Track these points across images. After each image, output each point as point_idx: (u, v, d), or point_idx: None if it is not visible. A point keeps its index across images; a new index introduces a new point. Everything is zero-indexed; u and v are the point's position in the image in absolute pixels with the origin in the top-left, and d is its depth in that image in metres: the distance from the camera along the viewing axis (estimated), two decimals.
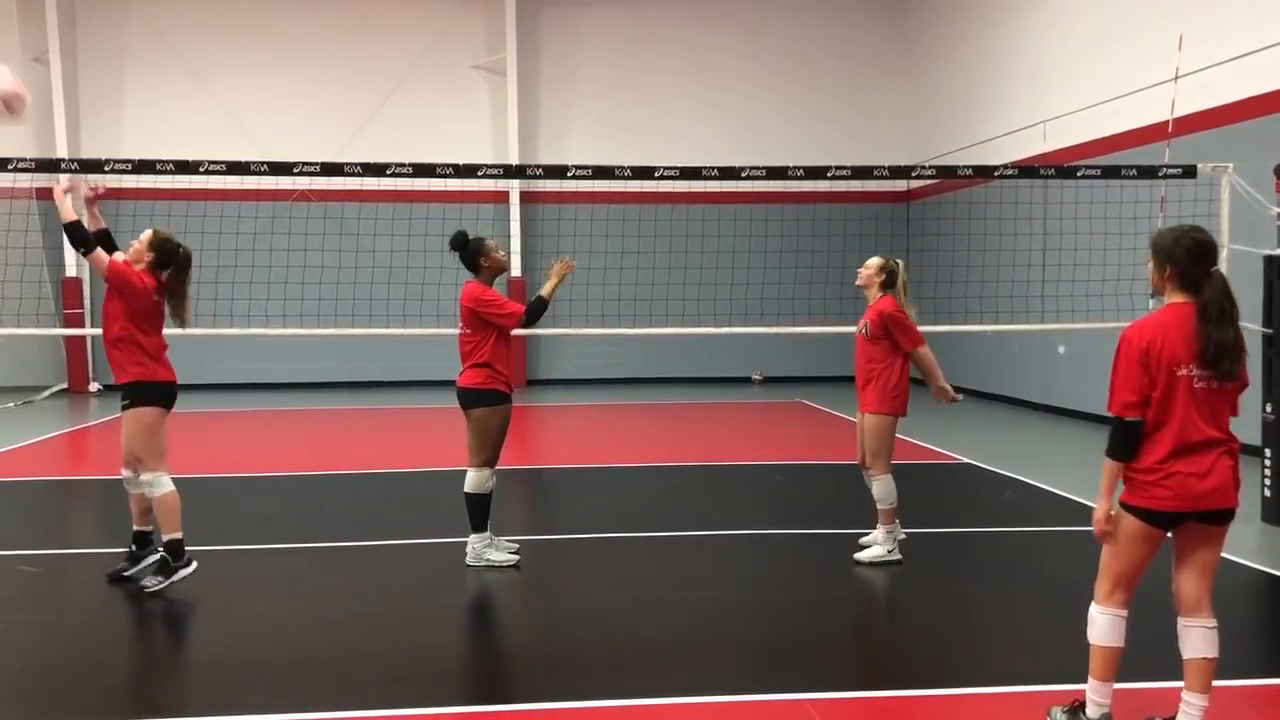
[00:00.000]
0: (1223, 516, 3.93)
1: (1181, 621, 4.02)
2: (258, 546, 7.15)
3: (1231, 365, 3.84)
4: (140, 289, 6.19)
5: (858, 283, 7.02)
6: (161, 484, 6.19)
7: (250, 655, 5.37)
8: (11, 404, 16.34)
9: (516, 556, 6.86)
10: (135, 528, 6.50)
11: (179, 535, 6.23)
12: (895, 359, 6.77)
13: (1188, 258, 3.91)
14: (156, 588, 6.16)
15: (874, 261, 6.98)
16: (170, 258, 6.35)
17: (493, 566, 6.72)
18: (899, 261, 7.02)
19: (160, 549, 6.29)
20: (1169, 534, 3.98)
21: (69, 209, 6.16)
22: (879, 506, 6.86)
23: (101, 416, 15.15)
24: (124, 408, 6.25)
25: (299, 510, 8.84)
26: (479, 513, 6.75)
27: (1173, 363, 3.83)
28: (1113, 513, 3.96)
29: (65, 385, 18.67)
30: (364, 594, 6.32)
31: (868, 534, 7.09)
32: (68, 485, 10.53)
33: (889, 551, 6.83)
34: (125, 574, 6.44)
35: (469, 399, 6.68)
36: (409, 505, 9.01)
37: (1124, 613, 4.01)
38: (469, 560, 6.76)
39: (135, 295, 6.18)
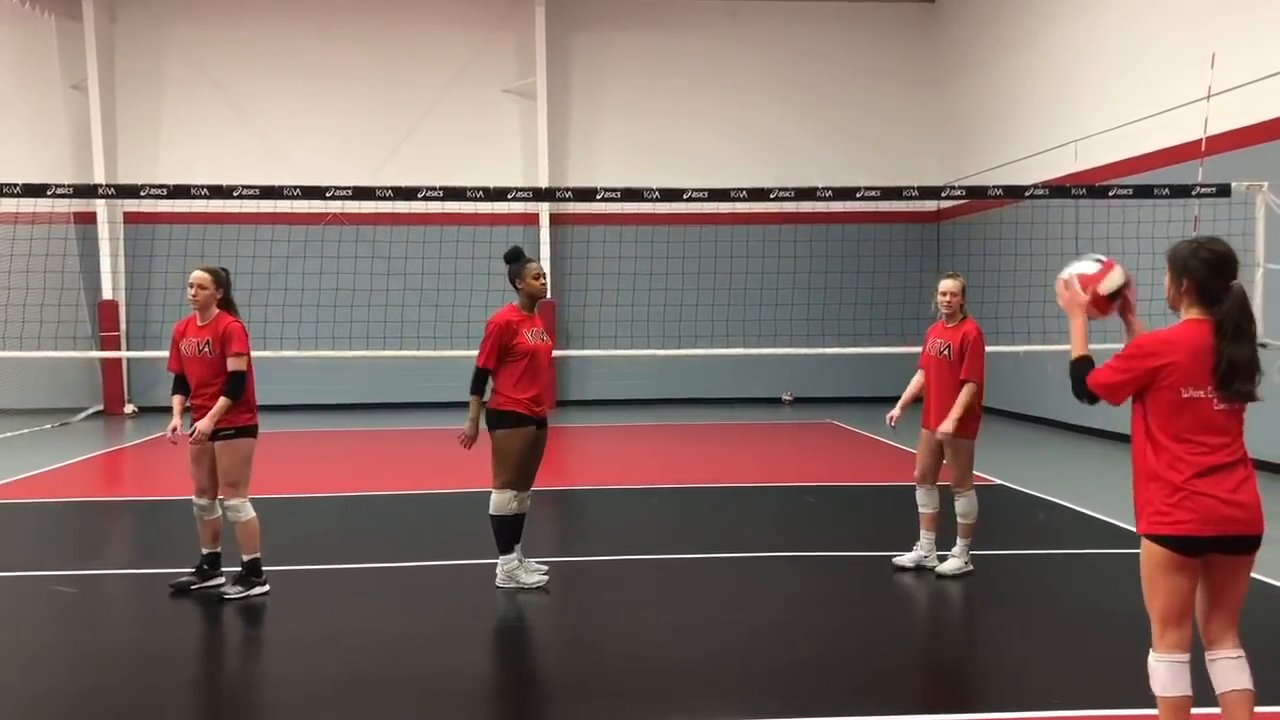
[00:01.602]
0: (1248, 545, 3.69)
1: (1207, 656, 3.77)
2: (287, 568, 7.18)
3: (1242, 385, 3.60)
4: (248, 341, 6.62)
5: (946, 310, 7.04)
6: (248, 510, 6.57)
7: (281, 675, 5.40)
8: (48, 426, 16.55)
9: (546, 578, 6.86)
10: (206, 550, 6.78)
11: (259, 555, 6.61)
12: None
13: (1206, 270, 3.67)
14: (236, 596, 6.52)
15: (955, 284, 7.05)
16: (229, 284, 6.74)
17: (522, 588, 6.73)
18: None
19: (242, 566, 6.61)
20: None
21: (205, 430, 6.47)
22: (962, 521, 7.01)
23: (137, 438, 15.31)
24: (223, 438, 6.49)
25: (329, 531, 8.89)
26: (504, 534, 6.75)
27: (1186, 383, 3.62)
28: (1141, 546, 3.77)
29: (101, 407, 18.88)
30: (394, 615, 6.33)
31: (900, 555, 7.27)
32: (103, 506, 10.64)
33: (965, 563, 7.01)
34: (192, 587, 6.69)
35: (488, 420, 6.73)
36: (440, 526, 9.04)
37: (1182, 657, 3.67)
38: (499, 582, 6.76)
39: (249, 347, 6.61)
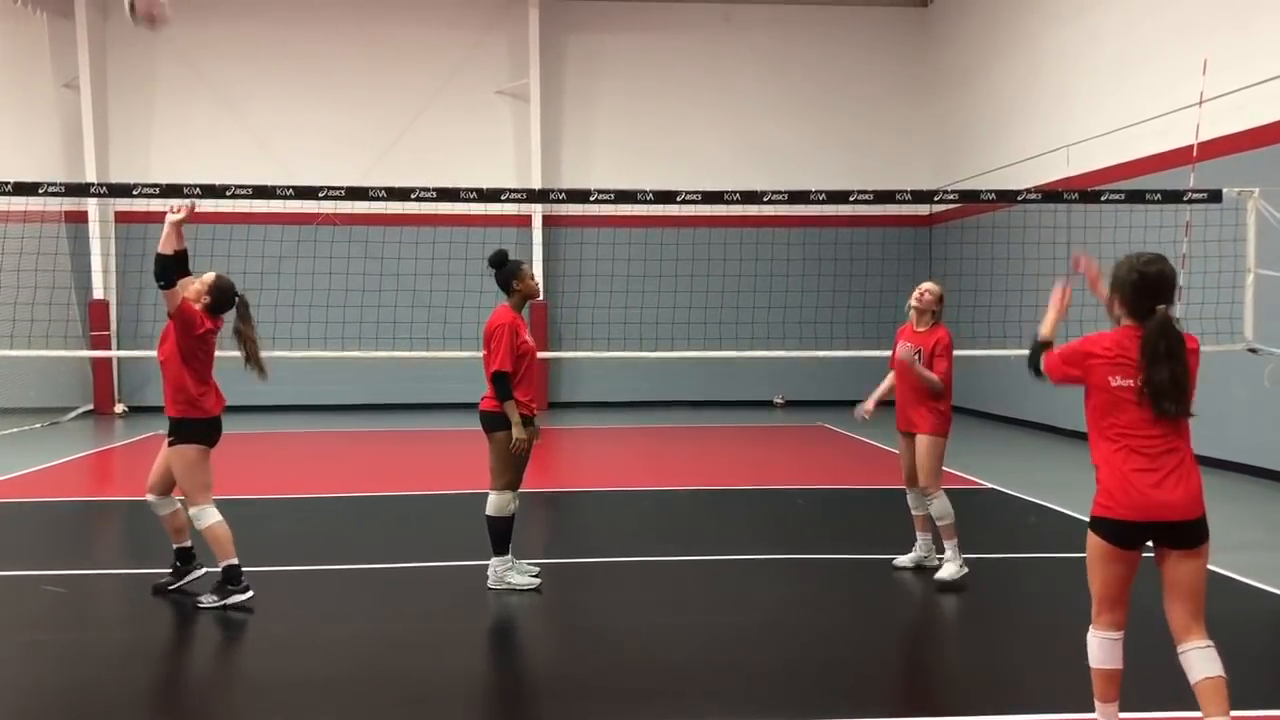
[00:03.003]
0: (1189, 535, 3.88)
1: (1178, 649, 3.95)
2: (279, 568, 7.16)
3: (1170, 405, 3.84)
4: (198, 327, 6.31)
5: (920, 306, 7.05)
6: (207, 516, 6.37)
7: (271, 676, 5.38)
8: (38, 425, 16.48)
9: (538, 580, 6.85)
10: (175, 545, 6.69)
11: (234, 561, 6.41)
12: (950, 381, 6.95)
13: (1132, 291, 3.95)
14: (210, 605, 6.33)
15: (937, 289, 7.11)
16: (227, 303, 6.55)
17: (514, 589, 6.72)
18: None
19: (220, 574, 6.43)
20: (1145, 553, 3.95)
21: (174, 239, 6.16)
22: (941, 524, 6.96)
23: (127, 438, 15.26)
24: (169, 442, 6.42)
25: (320, 532, 8.86)
26: (500, 536, 6.75)
27: (1109, 373, 3.91)
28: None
29: (91, 407, 18.82)
30: (385, 616, 6.32)
31: (900, 557, 7.31)
32: (92, 506, 10.60)
33: (960, 566, 6.92)
34: (170, 587, 6.63)
35: (490, 422, 6.70)
36: (431, 528, 9.02)
37: (1114, 634, 3.99)
38: (490, 583, 6.76)
39: (191, 330, 6.29)
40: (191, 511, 6.41)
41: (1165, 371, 3.83)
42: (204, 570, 6.65)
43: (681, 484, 11.20)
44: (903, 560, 7.30)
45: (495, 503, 6.70)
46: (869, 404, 7.26)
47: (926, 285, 7.16)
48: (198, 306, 6.46)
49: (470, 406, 6.96)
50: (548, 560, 7.38)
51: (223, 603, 6.35)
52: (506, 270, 6.84)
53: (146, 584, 6.74)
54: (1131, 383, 3.88)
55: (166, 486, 6.58)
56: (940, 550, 7.13)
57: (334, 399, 19.30)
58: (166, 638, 6.00)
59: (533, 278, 6.90)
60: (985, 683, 5.30)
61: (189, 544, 6.70)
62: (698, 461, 13.39)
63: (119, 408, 18.89)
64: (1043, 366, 4.17)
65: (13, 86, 18.98)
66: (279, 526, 9.01)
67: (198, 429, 6.38)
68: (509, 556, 6.80)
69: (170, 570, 6.71)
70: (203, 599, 6.39)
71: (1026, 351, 4.28)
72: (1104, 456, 3.95)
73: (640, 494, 10.68)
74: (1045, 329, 4.31)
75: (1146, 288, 3.93)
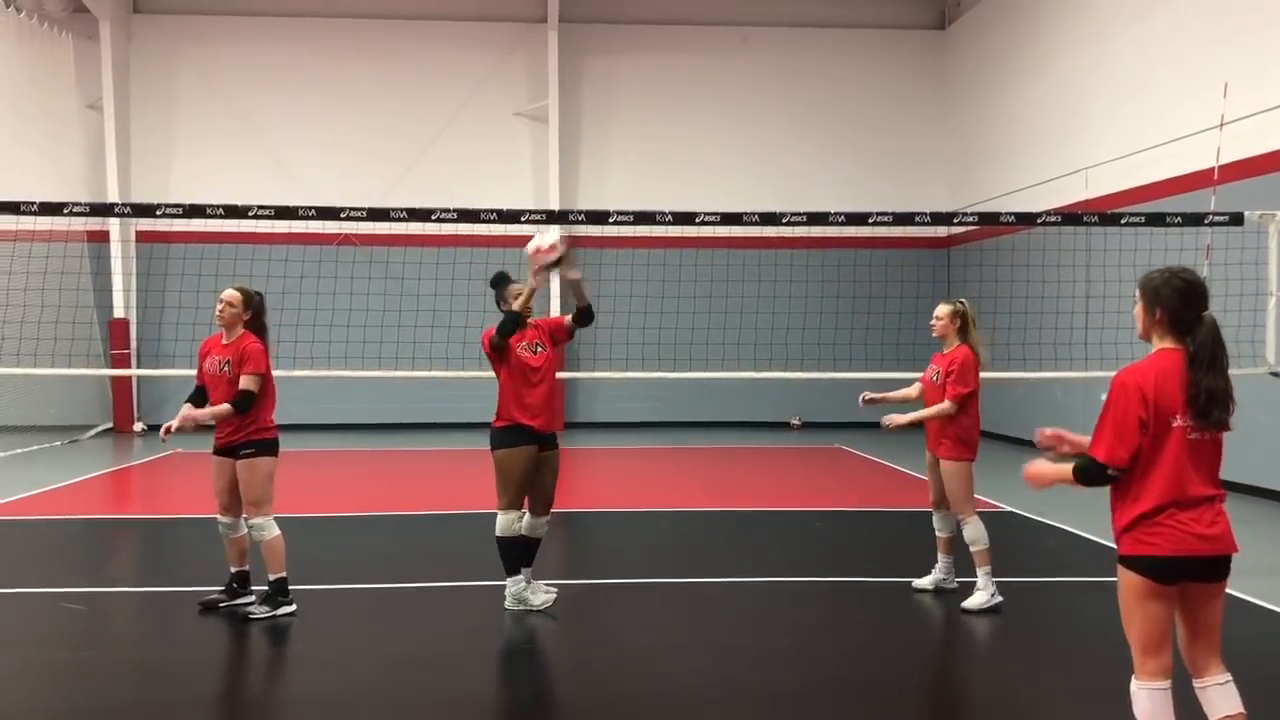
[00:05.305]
0: (1221, 570, 3.67)
1: (1196, 684, 3.75)
2: (295, 588, 7.17)
3: (1221, 414, 3.62)
4: (267, 360, 6.59)
5: (935, 334, 7.02)
6: (271, 528, 6.55)
7: (288, 696, 5.39)
8: (58, 442, 16.58)
9: (553, 595, 6.82)
10: (234, 569, 6.79)
11: (285, 575, 6.59)
12: (968, 404, 6.83)
13: (1178, 299, 3.69)
14: (261, 616, 6.50)
15: (944, 309, 7.00)
16: (260, 307, 6.75)
17: (531, 610, 6.70)
18: (964, 302, 7.05)
19: (268, 585, 6.60)
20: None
21: (199, 417, 6.45)
22: (974, 549, 6.81)
23: (146, 456, 15.33)
24: (244, 456, 6.48)
25: (338, 552, 8.87)
26: (510, 556, 6.69)
27: (1169, 413, 3.62)
28: (1116, 576, 3.74)
29: (110, 425, 18.92)
30: (401, 637, 6.32)
31: (919, 579, 7.21)
32: (111, 524, 10.65)
33: (992, 595, 6.77)
34: (220, 605, 6.71)
35: (490, 440, 6.71)
36: (448, 547, 9.03)
37: (1164, 684, 3.65)
38: (507, 604, 6.74)
39: (267, 368, 6.56)
40: (256, 521, 6.51)
41: (1221, 377, 3.61)
42: (253, 598, 6.68)
43: (699, 505, 11.18)
44: (921, 582, 7.23)
45: (498, 523, 6.64)
46: (875, 395, 7.25)
47: (936, 310, 7.06)
48: (241, 328, 6.59)
49: (488, 426, 6.95)
50: (566, 581, 7.37)
51: (273, 614, 6.49)
52: (497, 291, 6.90)
53: (166, 602, 6.77)
54: (1180, 422, 3.62)
55: (237, 505, 6.62)
56: (961, 579, 7.05)
57: (352, 418, 19.36)
58: (184, 657, 6.00)
59: (516, 296, 6.74)
60: (1003, 706, 5.26)
61: (248, 568, 6.79)
62: (715, 483, 13.36)
63: (138, 426, 18.99)
64: (1106, 463, 3.68)
65: (38, 107, 19.16)
66: (294, 546, 9.00)
67: (274, 444, 6.61)
68: (522, 576, 6.75)
69: (223, 589, 6.75)
70: (254, 611, 6.53)
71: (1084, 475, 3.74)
72: (1145, 492, 3.65)
73: (658, 515, 10.66)
74: (1067, 465, 3.81)
75: (1192, 293, 3.69)
